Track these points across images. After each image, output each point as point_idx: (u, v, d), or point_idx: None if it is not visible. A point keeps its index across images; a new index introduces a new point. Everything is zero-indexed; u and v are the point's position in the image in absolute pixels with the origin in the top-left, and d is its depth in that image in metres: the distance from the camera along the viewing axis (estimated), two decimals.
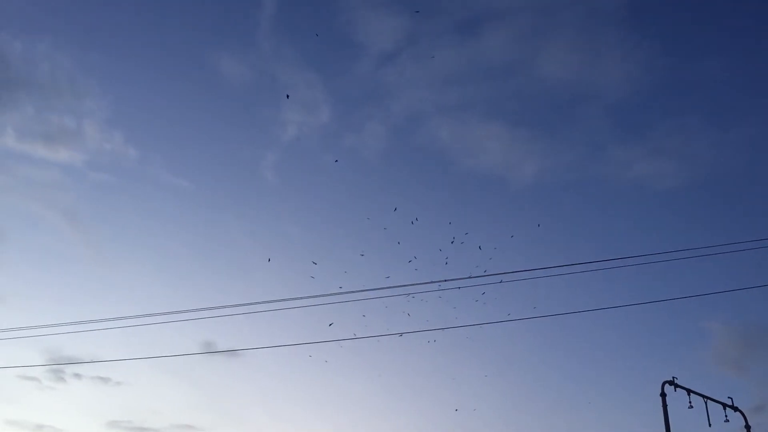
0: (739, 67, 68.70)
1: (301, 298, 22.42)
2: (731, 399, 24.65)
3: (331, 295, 22.32)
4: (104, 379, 52.23)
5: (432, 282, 22.37)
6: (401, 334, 23.70)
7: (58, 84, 63.74)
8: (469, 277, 21.64)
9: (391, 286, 21.96)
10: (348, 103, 71.95)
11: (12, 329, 24.47)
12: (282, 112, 68.38)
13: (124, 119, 68.59)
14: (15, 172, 60.46)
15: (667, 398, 23.49)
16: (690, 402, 24.07)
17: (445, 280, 21.96)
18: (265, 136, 70.01)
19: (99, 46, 69.15)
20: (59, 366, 48.50)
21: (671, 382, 23.89)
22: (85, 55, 67.57)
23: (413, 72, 68.98)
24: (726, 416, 24.44)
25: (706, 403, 24.42)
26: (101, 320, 23.66)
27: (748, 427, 24.43)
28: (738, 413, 24.59)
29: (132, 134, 68.96)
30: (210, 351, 45.52)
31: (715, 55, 69.96)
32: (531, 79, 70.33)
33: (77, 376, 51.22)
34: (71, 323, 23.94)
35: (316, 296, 22.37)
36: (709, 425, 24.21)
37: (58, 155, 63.00)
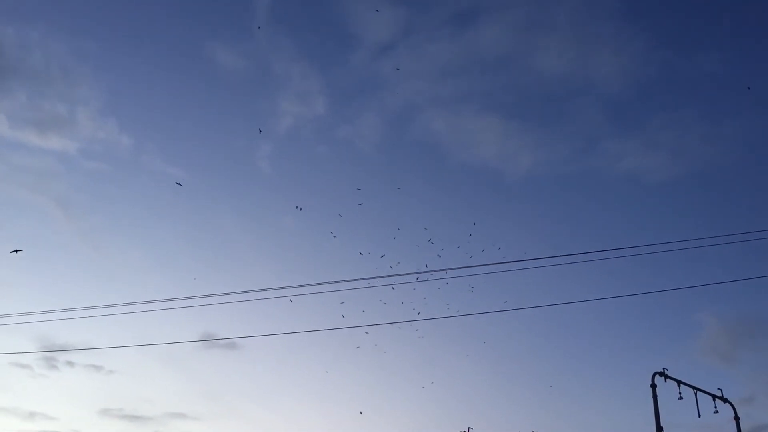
0: (732, 62, 68.98)
1: (296, 286, 22.49)
2: (721, 390, 24.86)
3: (321, 284, 22.39)
4: (97, 367, 52.34)
5: (422, 272, 22.48)
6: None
7: (52, 71, 63.40)
8: (462, 267, 21.72)
9: (378, 276, 22.02)
10: (343, 95, 71.90)
11: (4, 316, 24.43)
12: (277, 102, 68.20)
13: (118, 107, 68.41)
14: (7, 159, 60.23)
15: (657, 389, 23.68)
16: (680, 393, 24.27)
17: (437, 270, 22.03)
18: (260, 126, 69.89)
19: (93, 33, 68.83)
20: (52, 353, 48.62)
21: (661, 373, 24.05)
22: (79, 42, 67.24)
23: (408, 64, 68.89)
24: (715, 407, 24.65)
25: (695, 394, 24.62)
26: (94, 307, 23.69)
27: (737, 418, 24.64)
28: (727, 404, 24.78)
29: (126, 123, 68.80)
30: (202, 339, 45.57)
31: (709, 49, 70.22)
32: (526, 72, 70.44)
33: (70, 363, 51.30)
34: (64, 310, 23.95)
35: (310, 285, 22.43)
36: (699, 416, 24.45)
37: (51, 143, 62.79)
